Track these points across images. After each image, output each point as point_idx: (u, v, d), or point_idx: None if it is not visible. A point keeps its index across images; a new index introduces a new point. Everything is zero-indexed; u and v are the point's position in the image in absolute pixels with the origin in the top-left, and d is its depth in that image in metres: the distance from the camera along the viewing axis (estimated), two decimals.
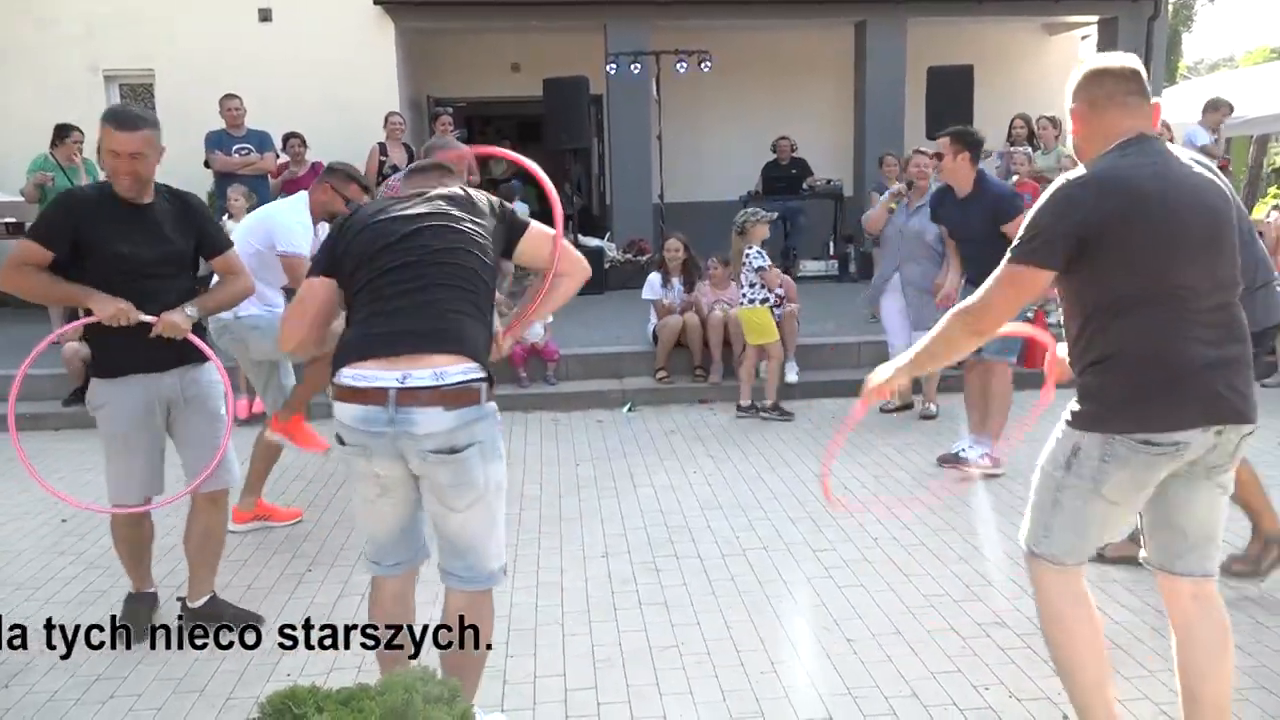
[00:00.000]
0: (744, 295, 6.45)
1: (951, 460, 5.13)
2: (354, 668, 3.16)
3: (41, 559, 4.22)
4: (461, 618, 2.55)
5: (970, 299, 2.37)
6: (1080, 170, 2.28)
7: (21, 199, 8.11)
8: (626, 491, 4.95)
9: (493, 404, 2.47)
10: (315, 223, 4.33)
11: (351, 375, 2.40)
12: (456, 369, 2.37)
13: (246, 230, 4.37)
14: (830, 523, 4.40)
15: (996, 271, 2.32)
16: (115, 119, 3.17)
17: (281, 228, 4.22)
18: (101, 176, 8.15)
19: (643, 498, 4.84)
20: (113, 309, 3.09)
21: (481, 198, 2.71)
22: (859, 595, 3.64)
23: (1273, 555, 3.53)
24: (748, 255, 6.37)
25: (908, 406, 6.36)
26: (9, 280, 3.18)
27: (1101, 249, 2.19)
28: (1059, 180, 2.30)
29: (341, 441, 2.47)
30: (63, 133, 8.04)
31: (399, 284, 2.47)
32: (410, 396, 2.34)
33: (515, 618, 3.52)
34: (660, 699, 2.95)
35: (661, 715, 2.86)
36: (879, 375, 2.59)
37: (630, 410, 6.71)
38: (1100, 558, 3.63)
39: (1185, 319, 2.18)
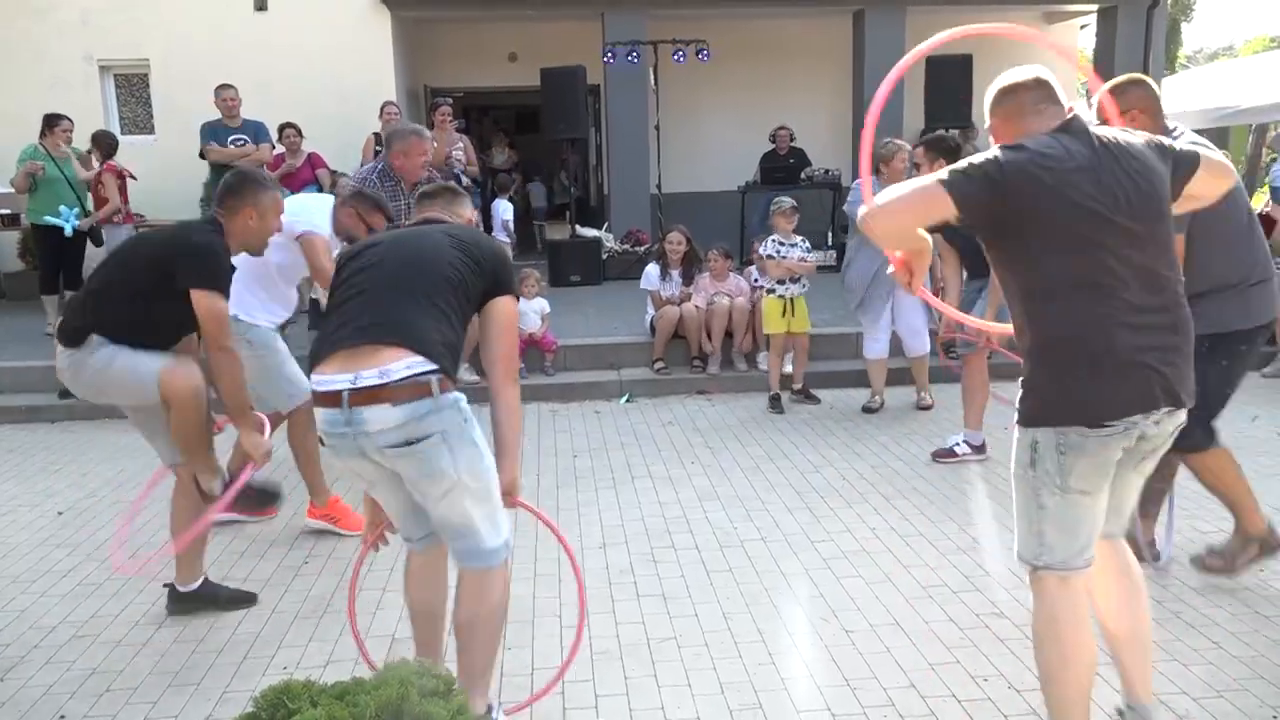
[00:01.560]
0: (764, 285, 6.48)
1: (945, 454, 5.16)
2: (350, 660, 3.15)
3: (38, 552, 4.21)
4: (467, 593, 2.61)
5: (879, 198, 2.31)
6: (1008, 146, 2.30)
7: (14, 191, 8.08)
8: (624, 482, 4.94)
9: (452, 394, 2.49)
10: (335, 235, 4.32)
11: (315, 380, 2.53)
12: (400, 364, 2.43)
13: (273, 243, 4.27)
14: (828, 514, 4.40)
15: (920, 180, 2.29)
16: None
17: (303, 210, 4.21)
18: (93, 164, 8.18)
19: (640, 489, 4.83)
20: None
21: (483, 242, 2.78)
22: (857, 586, 3.63)
23: (1250, 553, 3.46)
24: (764, 244, 6.47)
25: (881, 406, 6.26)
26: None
27: (1029, 225, 2.22)
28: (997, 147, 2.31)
29: (323, 442, 2.58)
30: (51, 122, 8.03)
31: (356, 286, 2.61)
32: (360, 397, 2.42)
33: (513, 609, 3.47)
34: (658, 691, 2.94)
35: (659, 707, 2.85)
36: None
37: (628, 401, 6.69)
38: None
39: (1116, 304, 2.20)
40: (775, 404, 6.30)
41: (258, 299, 4.18)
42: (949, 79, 10.04)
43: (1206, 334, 3.12)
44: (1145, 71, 11.29)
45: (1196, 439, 3.27)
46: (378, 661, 3.00)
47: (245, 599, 3.62)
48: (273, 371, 4.19)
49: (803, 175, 10.63)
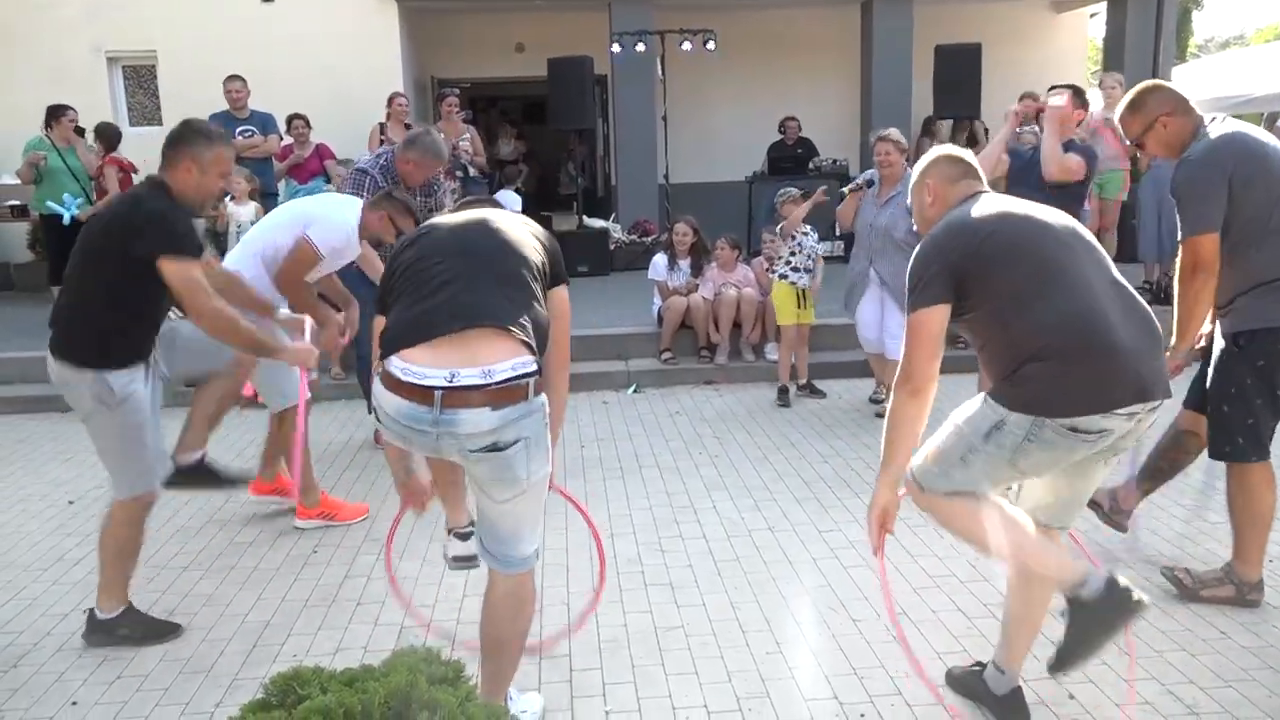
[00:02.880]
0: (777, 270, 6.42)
1: None
2: (360, 648, 3.17)
3: (49, 540, 4.24)
4: (504, 603, 2.53)
5: (900, 374, 2.49)
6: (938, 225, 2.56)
7: (19, 182, 8.13)
8: (632, 472, 4.95)
9: (541, 398, 2.35)
10: (361, 239, 4.29)
11: (400, 367, 2.29)
12: (506, 364, 2.26)
13: (285, 223, 4.17)
14: (836, 504, 4.40)
15: (906, 334, 2.48)
16: None
17: (325, 221, 4.12)
18: (96, 156, 8.19)
19: (648, 479, 4.84)
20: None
21: (543, 231, 2.72)
22: (865, 576, 3.63)
23: (1224, 592, 3.28)
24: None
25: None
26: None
27: (982, 278, 2.40)
28: (926, 238, 2.55)
29: (379, 419, 2.42)
30: (56, 112, 8.06)
31: (446, 270, 2.40)
32: (457, 398, 2.24)
33: None
34: (666, 679, 2.95)
35: (667, 695, 2.86)
36: (875, 505, 2.55)
37: (635, 391, 6.70)
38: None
39: (1095, 315, 2.31)
40: (783, 396, 6.28)
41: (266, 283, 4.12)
42: (958, 69, 9.98)
43: (1242, 330, 3.13)
44: (1155, 61, 11.22)
45: (1241, 448, 3.18)
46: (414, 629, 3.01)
47: (169, 629, 3.34)
48: (280, 369, 4.02)
49: (811, 165, 10.59)
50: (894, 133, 5.70)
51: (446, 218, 2.66)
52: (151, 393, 3.28)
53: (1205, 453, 3.42)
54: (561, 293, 2.65)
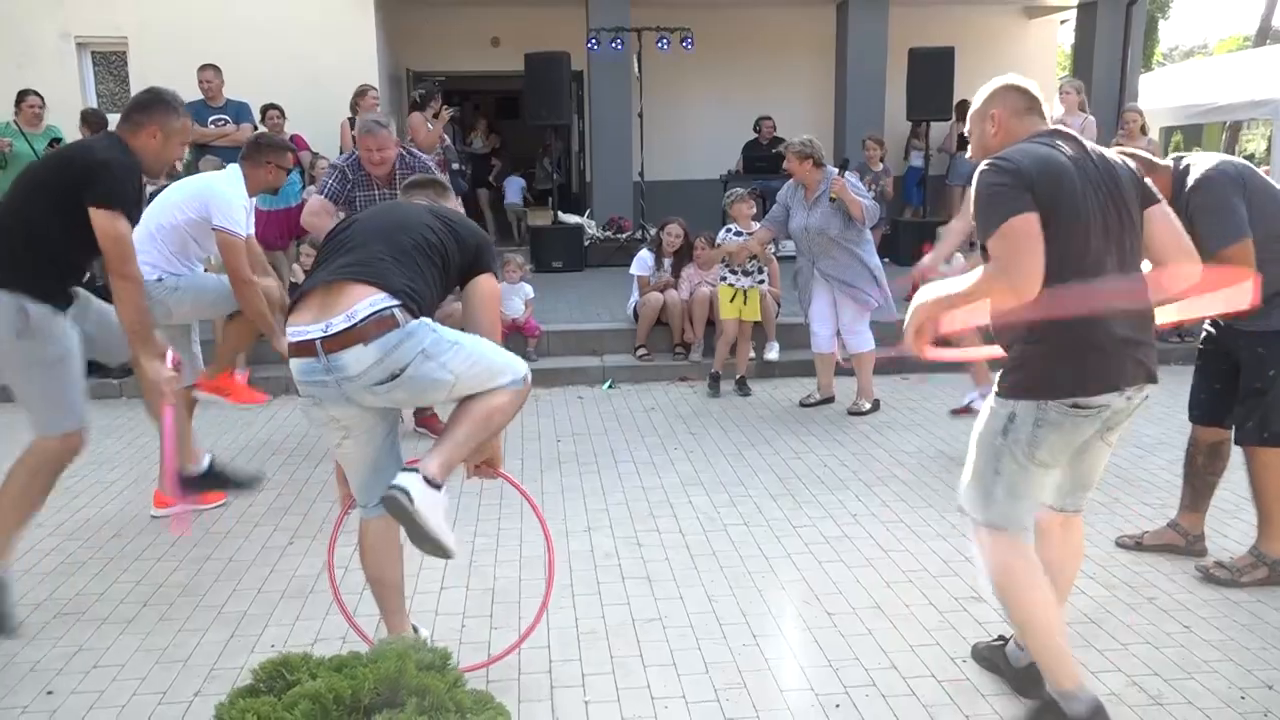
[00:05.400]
0: (722, 273, 6.54)
1: (963, 410, 5.44)
2: (338, 639, 3.18)
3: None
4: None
5: (994, 269, 2.36)
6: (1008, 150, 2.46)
7: None
8: (608, 467, 4.98)
9: (420, 320, 2.57)
10: (252, 196, 4.30)
11: (291, 331, 2.61)
12: (365, 303, 2.52)
13: (180, 199, 4.18)
14: (810, 500, 4.45)
15: (996, 242, 2.34)
16: None
17: (220, 201, 4.09)
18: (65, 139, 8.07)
19: (624, 473, 4.87)
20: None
21: (467, 222, 2.92)
22: (839, 570, 3.69)
23: (1258, 574, 3.46)
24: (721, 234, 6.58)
25: (829, 400, 6.17)
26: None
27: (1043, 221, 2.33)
28: (996, 157, 2.43)
29: (300, 393, 2.67)
30: (19, 98, 7.97)
31: (340, 246, 2.72)
32: (335, 343, 2.51)
33: (499, 590, 3.55)
34: (644, 670, 2.98)
35: (645, 686, 2.90)
36: (915, 315, 2.58)
37: (610, 387, 6.72)
38: (1138, 546, 3.77)
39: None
40: (714, 385, 6.42)
41: (168, 258, 4.13)
42: (931, 72, 10.10)
43: (1276, 330, 3.33)
44: (1124, 68, 11.42)
45: (1277, 431, 3.35)
46: (370, 636, 3.02)
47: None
48: (205, 286, 4.18)
49: (784, 165, 10.66)
50: (797, 141, 5.90)
51: (374, 207, 2.91)
52: (75, 337, 3.29)
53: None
54: (483, 279, 2.83)
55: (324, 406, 2.63)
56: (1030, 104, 2.58)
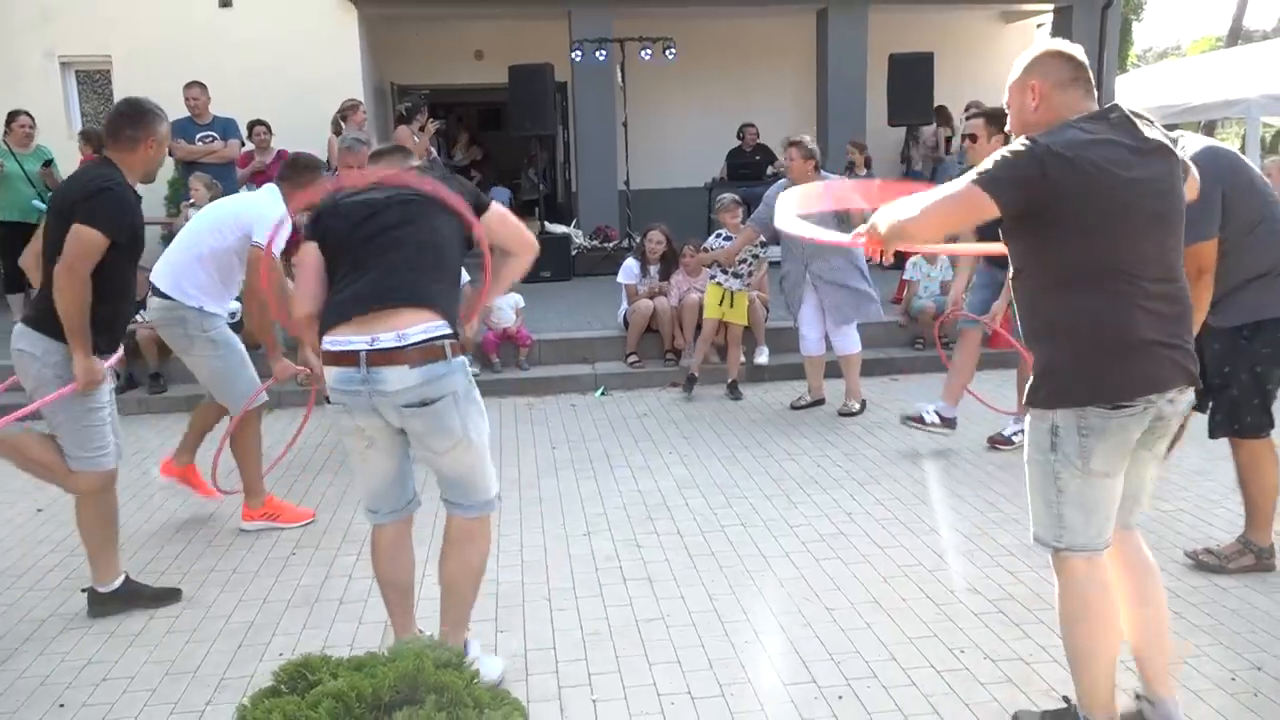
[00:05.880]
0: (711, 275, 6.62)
1: (915, 420, 5.21)
2: (346, 646, 3.21)
3: (21, 547, 4.21)
4: (458, 541, 2.87)
5: (922, 200, 2.32)
6: (1046, 134, 2.29)
7: None
8: (604, 473, 5.03)
9: (461, 358, 2.71)
10: (294, 215, 4.29)
11: (330, 340, 2.69)
12: (418, 329, 2.63)
13: (217, 220, 4.23)
14: (805, 500, 4.52)
15: (954, 186, 2.30)
16: None
17: (262, 218, 4.13)
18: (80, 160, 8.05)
19: (620, 478, 4.92)
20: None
21: (451, 181, 2.97)
22: (836, 567, 3.75)
23: (1244, 561, 3.53)
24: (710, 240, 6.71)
25: (819, 403, 6.23)
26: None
27: (1057, 215, 2.23)
28: (1030, 137, 2.29)
29: (329, 401, 2.76)
30: (10, 118, 7.97)
31: (369, 255, 2.75)
32: (379, 358, 2.61)
33: (502, 594, 3.59)
34: (649, 668, 3.04)
35: (651, 683, 2.95)
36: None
37: (602, 394, 6.78)
38: (1220, 570, 3.56)
39: (1136, 289, 2.25)
40: (689, 386, 6.50)
41: (215, 282, 4.18)
42: (911, 77, 10.23)
43: (1247, 322, 3.36)
44: (1100, 70, 11.58)
45: (1260, 421, 3.43)
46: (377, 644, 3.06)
47: (170, 595, 3.62)
48: (233, 372, 4.22)
49: (769, 171, 10.76)
50: (806, 139, 5.93)
51: (366, 195, 2.86)
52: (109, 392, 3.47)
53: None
54: (493, 213, 2.91)
55: (352, 416, 2.72)
56: (1076, 73, 2.37)
